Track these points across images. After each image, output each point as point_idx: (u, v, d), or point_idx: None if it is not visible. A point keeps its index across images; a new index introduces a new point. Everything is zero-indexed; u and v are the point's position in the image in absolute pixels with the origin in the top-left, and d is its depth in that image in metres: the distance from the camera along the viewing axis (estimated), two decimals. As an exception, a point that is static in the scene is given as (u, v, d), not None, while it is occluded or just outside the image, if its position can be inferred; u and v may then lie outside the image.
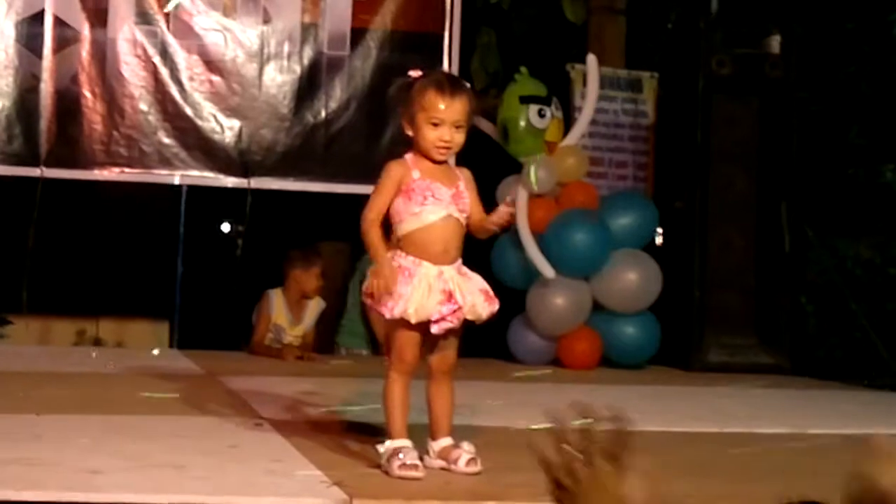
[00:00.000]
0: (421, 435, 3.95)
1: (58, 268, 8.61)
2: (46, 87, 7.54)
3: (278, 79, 7.88)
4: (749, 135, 7.97)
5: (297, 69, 7.90)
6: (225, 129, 7.78)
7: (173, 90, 7.72)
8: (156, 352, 7.43)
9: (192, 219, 8.08)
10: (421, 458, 3.83)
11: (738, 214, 7.92)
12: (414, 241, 3.90)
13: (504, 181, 7.63)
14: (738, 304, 7.89)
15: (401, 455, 3.76)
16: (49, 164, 7.54)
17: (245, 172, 7.80)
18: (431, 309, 3.83)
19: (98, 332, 8.93)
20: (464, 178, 4.01)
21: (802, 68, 8.10)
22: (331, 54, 7.95)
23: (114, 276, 8.89)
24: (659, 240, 8.26)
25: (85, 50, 7.62)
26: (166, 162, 7.70)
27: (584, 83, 8.02)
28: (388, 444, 3.82)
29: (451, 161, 4.16)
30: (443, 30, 8.04)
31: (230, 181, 7.81)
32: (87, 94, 7.62)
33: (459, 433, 4.02)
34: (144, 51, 7.69)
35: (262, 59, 7.86)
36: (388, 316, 3.86)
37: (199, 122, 7.75)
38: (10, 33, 7.54)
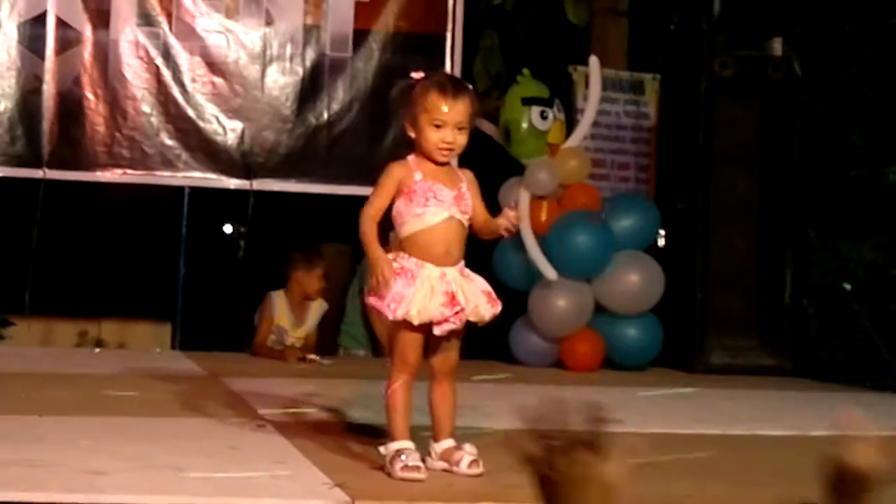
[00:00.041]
0: (423, 437, 3.95)
1: (60, 269, 8.63)
2: (49, 89, 7.55)
3: (281, 80, 7.89)
4: (751, 137, 7.97)
5: (300, 71, 7.91)
6: (227, 130, 7.79)
7: (175, 92, 7.72)
8: (157, 350, 7.43)
9: (194, 220, 8.08)
10: (423, 460, 3.83)
11: (740, 216, 7.92)
12: (416, 242, 3.90)
13: (506, 183, 7.63)
14: (740, 305, 7.90)
15: (403, 457, 3.76)
16: (51, 166, 7.54)
17: (247, 174, 7.80)
18: (434, 311, 3.83)
19: (100, 333, 8.94)
20: (466, 180, 4.01)
21: (805, 70, 8.10)
22: (333, 56, 7.95)
23: (116, 278, 8.90)
24: (661, 241, 8.25)
25: (87, 51, 7.62)
26: (168, 163, 7.70)
27: (587, 85, 8.03)
28: (391, 446, 3.82)
29: (454, 162, 4.16)
30: (445, 31, 8.04)
31: (232, 183, 7.82)
32: (90, 95, 7.62)
33: (461, 435, 4.02)
34: (147, 52, 7.69)
35: (264, 60, 7.86)
36: (390, 318, 3.85)
37: (202, 124, 7.75)
38: (12, 35, 7.55)
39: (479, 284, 3.97)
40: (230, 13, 7.83)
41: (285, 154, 7.87)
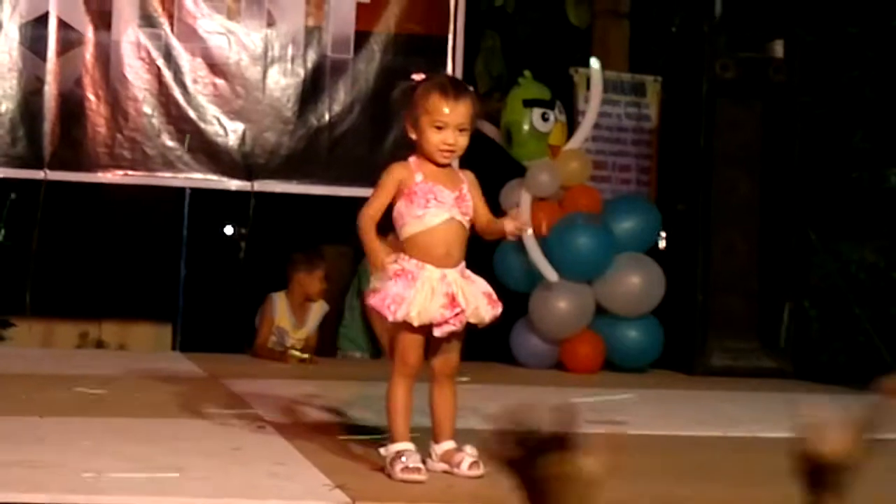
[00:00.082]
0: (424, 438, 3.95)
1: (61, 270, 8.63)
2: (50, 90, 7.55)
3: (282, 82, 7.89)
4: (752, 138, 7.97)
5: (301, 72, 7.91)
6: (228, 131, 7.79)
7: (177, 93, 7.72)
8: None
9: (195, 221, 8.08)
10: (423, 462, 3.83)
11: (741, 218, 7.92)
12: (417, 244, 3.90)
13: (507, 185, 7.63)
14: (741, 307, 7.89)
15: (403, 458, 3.76)
16: (53, 167, 7.54)
17: (248, 175, 7.80)
18: (434, 312, 3.82)
19: (101, 334, 8.94)
20: (467, 181, 4.01)
21: (806, 72, 8.10)
22: (334, 57, 7.95)
23: (117, 279, 8.90)
24: (662, 243, 8.25)
25: (89, 53, 7.62)
26: (170, 165, 7.70)
27: (588, 87, 8.03)
28: (391, 447, 3.82)
29: (455, 164, 4.16)
30: (447, 33, 8.04)
31: (233, 184, 7.82)
32: (91, 96, 7.62)
33: (462, 436, 4.02)
34: (148, 53, 7.69)
35: (265, 62, 7.86)
36: (390, 319, 3.85)
37: (203, 125, 7.75)
38: (14, 36, 7.55)
39: (480, 286, 3.96)
40: (232, 14, 7.83)
41: (286, 155, 7.87)
